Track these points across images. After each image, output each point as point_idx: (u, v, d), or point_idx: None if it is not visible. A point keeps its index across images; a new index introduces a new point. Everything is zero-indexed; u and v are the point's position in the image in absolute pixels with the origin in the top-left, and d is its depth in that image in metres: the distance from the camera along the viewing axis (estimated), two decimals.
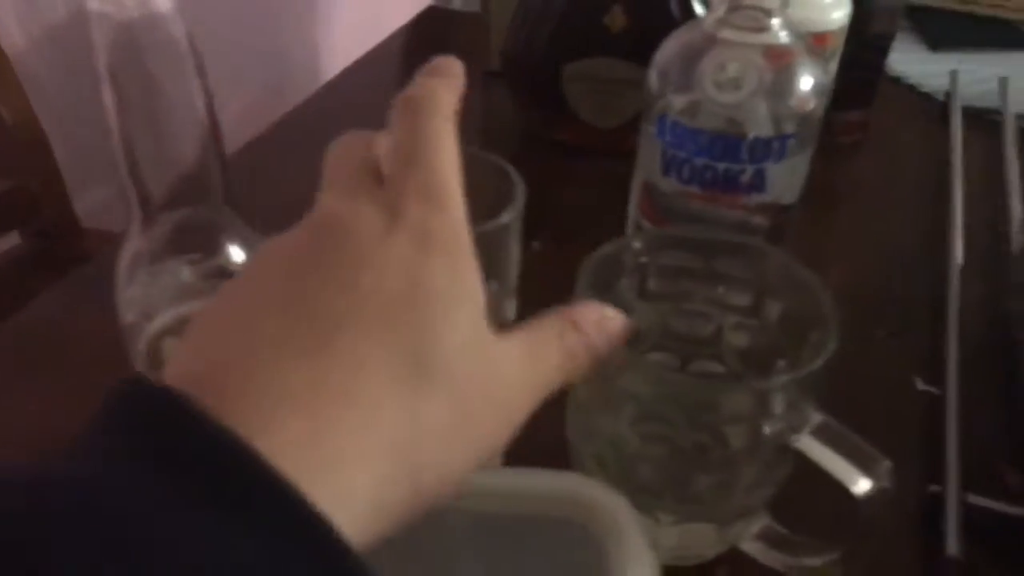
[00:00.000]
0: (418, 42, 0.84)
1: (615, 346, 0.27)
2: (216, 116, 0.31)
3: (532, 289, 0.38)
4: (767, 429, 0.32)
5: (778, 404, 0.32)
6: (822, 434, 0.31)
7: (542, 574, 0.31)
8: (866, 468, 0.30)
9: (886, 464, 0.30)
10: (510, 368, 0.23)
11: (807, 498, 0.32)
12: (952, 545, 0.38)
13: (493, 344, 0.23)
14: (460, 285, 0.22)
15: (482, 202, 0.33)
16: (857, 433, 0.35)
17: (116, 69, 0.28)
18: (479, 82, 0.77)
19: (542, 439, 0.40)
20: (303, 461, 0.18)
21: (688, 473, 0.34)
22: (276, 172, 0.64)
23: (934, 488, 0.40)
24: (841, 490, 0.30)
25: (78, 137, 1.08)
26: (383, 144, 0.25)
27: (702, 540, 0.37)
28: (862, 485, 0.30)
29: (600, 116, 0.63)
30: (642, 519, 0.35)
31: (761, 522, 0.36)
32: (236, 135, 0.68)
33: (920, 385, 0.47)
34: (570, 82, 0.63)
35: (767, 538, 0.36)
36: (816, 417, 0.31)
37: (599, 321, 0.26)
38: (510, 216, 0.33)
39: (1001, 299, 0.53)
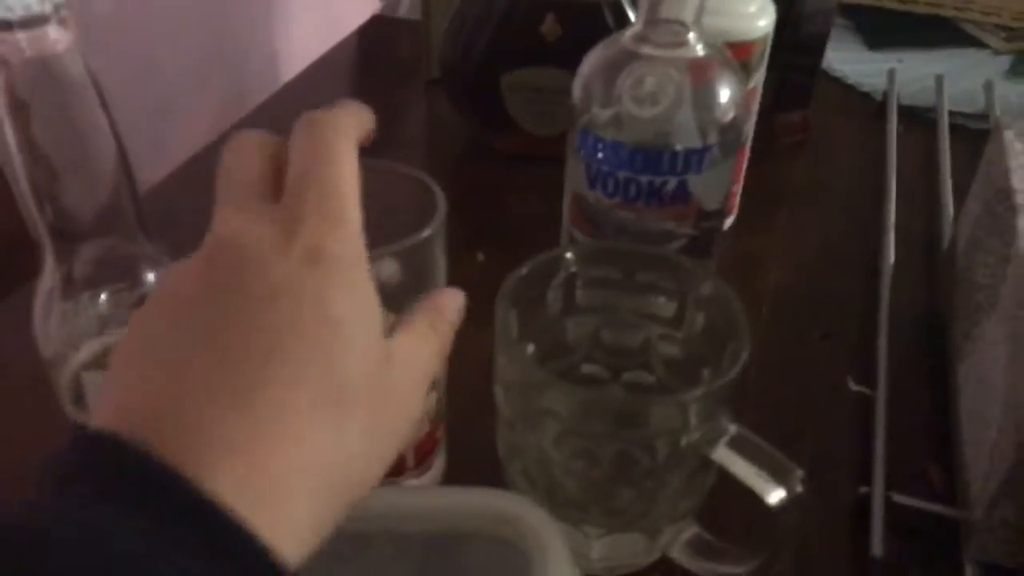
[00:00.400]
0: (364, 51, 0.84)
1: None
2: (124, 147, 0.31)
3: (475, 299, 0.37)
4: (684, 441, 0.32)
5: (695, 416, 0.32)
6: (736, 445, 0.32)
7: None
8: (779, 477, 0.31)
9: (798, 473, 0.31)
10: (403, 371, 0.24)
11: (733, 505, 0.33)
12: (876, 545, 0.39)
13: (389, 354, 0.24)
14: (360, 306, 0.23)
15: (405, 216, 0.34)
16: (791, 434, 0.36)
17: (15, 109, 0.28)
18: (421, 90, 0.77)
19: (478, 456, 0.41)
20: (243, 499, 0.19)
21: (612, 486, 0.35)
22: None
23: (863, 489, 0.41)
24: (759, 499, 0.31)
25: None
26: (278, 148, 0.25)
27: (632, 550, 0.37)
28: (776, 494, 0.31)
29: (540, 124, 0.63)
30: (570, 532, 0.36)
31: (690, 530, 0.37)
32: (197, 143, 0.68)
33: (853, 386, 0.48)
34: (509, 91, 0.63)
35: (694, 546, 0.37)
36: (731, 428, 0.32)
37: (455, 302, 0.28)
38: (432, 229, 0.33)
39: (931, 298, 0.54)
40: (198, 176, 0.65)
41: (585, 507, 0.35)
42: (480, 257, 0.56)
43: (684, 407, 0.32)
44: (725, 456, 0.31)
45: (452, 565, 0.31)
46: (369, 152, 0.27)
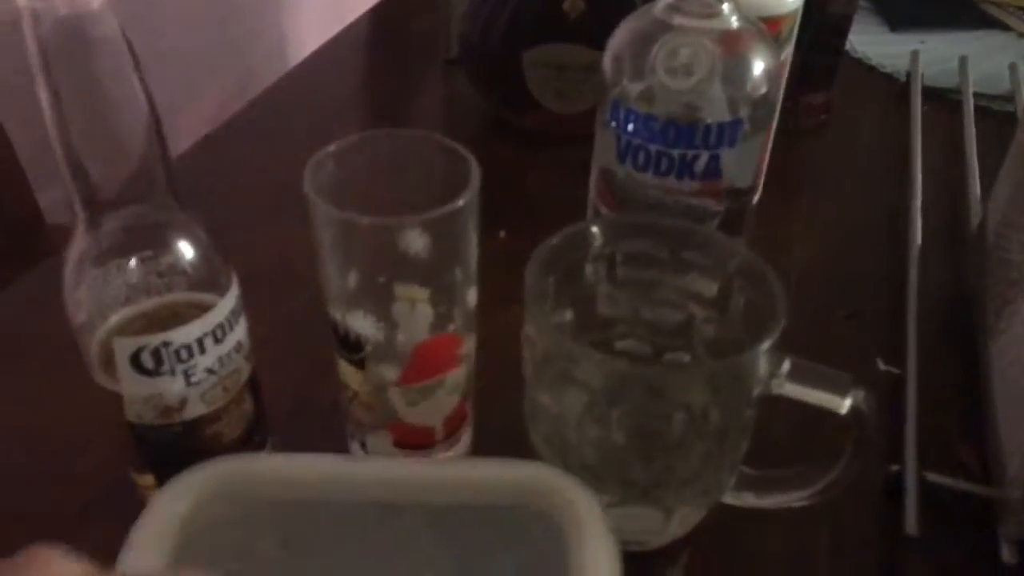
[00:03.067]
0: (378, 30, 0.83)
1: None
2: (158, 111, 0.30)
3: (498, 276, 0.37)
4: (757, 389, 0.33)
5: (765, 364, 0.32)
6: (795, 376, 0.33)
7: (505, 562, 0.31)
8: (842, 389, 0.33)
9: (857, 383, 0.33)
10: None
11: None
12: (911, 524, 0.38)
13: None
14: None
15: (438, 186, 0.33)
16: (819, 415, 0.36)
17: (50, 67, 0.27)
18: (439, 69, 0.76)
19: (505, 430, 0.40)
20: None
21: (631, 457, 0.34)
22: (243, 160, 0.63)
23: (894, 467, 0.41)
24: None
25: (39, 132, 1.07)
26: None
27: (644, 525, 0.37)
28: (846, 403, 0.32)
29: (561, 102, 0.63)
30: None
31: (733, 474, 0.37)
32: (209, 126, 0.67)
33: (881, 365, 0.47)
34: (530, 68, 0.62)
35: (746, 484, 0.36)
36: (786, 362, 0.32)
37: None
38: (466, 199, 0.32)
39: (959, 278, 0.53)
40: (215, 152, 0.65)
41: (601, 475, 0.35)
42: (502, 235, 0.56)
43: (755, 358, 0.32)
44: (791, 388, 0.33)
45: (485, 537, 0.31)
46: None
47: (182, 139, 0.64)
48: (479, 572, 0.30)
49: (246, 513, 0.30)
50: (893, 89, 0.73)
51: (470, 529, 0.31)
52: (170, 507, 0.29)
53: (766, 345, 0.31)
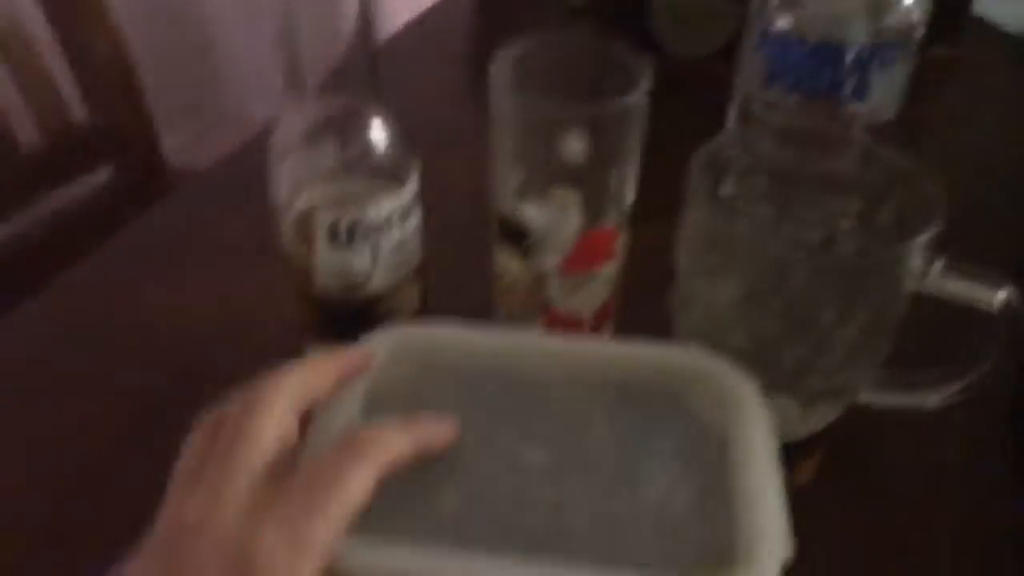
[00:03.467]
0: None
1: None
2: (371, 5, 0.33)
3: (646, 199, 0.40)
4: (909, 283, 0.34)
5: (918, 259, 0.34)
6: (947, 272, 0.34)
7: (665, 438, 0.32)
8: (992, 285, 0.34)
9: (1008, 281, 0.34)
10: None
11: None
12: None
13: None
14: None
15: (611, 90, 0.36)
16: (954, 335, 0.37)
17: None
18: (564, 20, 0.79)
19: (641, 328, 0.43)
20: None
21: (780, 345, 0.36)
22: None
23: None
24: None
25: (164, 76, 1.12)
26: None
27: (782, 417, 0.38)
28: (997, 299, 0.34)
29: (688, 46, 0.65)
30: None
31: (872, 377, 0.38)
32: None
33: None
34: (658, 13, 0.64)
35: (886, 384, 0.38)
36: (938, 260, 0.34)
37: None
38: (635, 97, 0.35)
39: None
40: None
41: (747, 362, 0.37)
42: None
43: (911, 251, 0.34)
44: (943, 283, 0.34)
45: (645, 413, 0.33)
46: None
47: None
48: (639, 447, 0.32)
49: (425, 375, 0.33)
50: (1018, 48, 0.73)
51: (628, 409, 0.33)
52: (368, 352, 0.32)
53: (924, 237, 0.33)
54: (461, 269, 0.46)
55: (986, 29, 0.76)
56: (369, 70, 0.35)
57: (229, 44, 1.43)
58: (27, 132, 0.91)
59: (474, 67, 0.73)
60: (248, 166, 0.41)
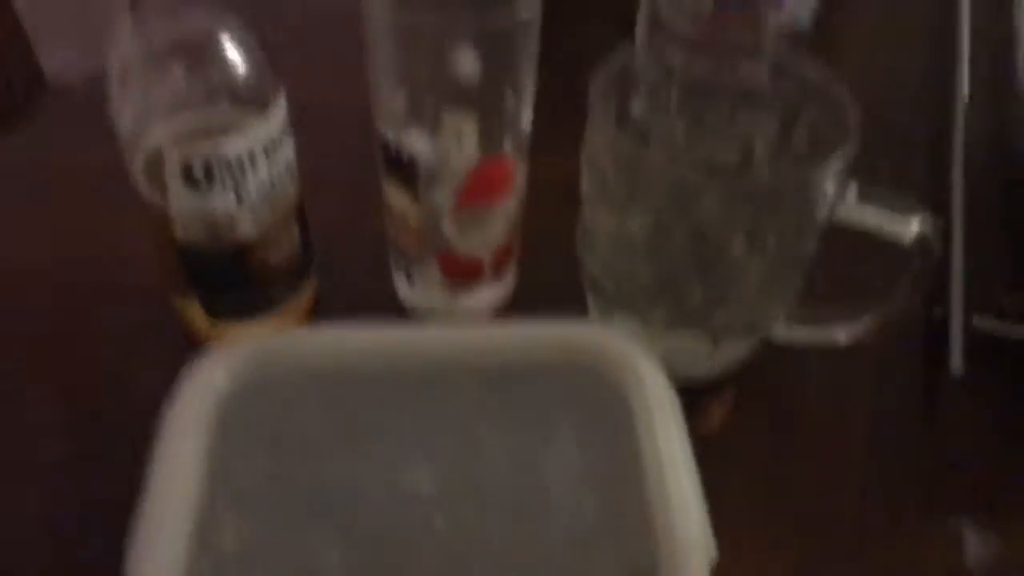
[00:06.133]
0: None
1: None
2: None
3: (539, 125, 0.36)
4: (822, 211, 0.32)
5: (831, 184, 0.32)
6: (861, 198, 0.32)
7: (566, 425, 0.30)
8: (906, 215, 0.32)
9: (925, 209, 0.32)
10: None
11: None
12: (956, 364, 0.38)
13: None
14: None
15: (504, 6, 0.31)
16: (862, 266, 0.36)
17: None
18: None
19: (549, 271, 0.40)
20: None
21: (688, 277, 0.34)
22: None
23: (938, 310, 0.41)
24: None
25: None
26: None
27: (691, 356, 0.37)
28: (909, 232, 0.32)
29: None
30: (634, 327, 0.35)
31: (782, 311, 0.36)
32: None
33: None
34: None
35: (797, 318, 0.36)
36: (852, 186, 0.32)
37: None
38: (528, 13, 0.31)
39: (1006, 131, 0.52)
40: None
41: (655, 297, 0.34)
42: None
43: (822, 179, 0.31)
44: (856, 211, 0.32)
45: (543, 400, 0.30)
46: None
47: None
48: (539, 435, 0.29)
49: (287, 388, 0.29)
50: None
51: (527, 392, 0.30)
52: (207, 382, 0.28)
53: (838, 160, 0.30)
54: (351, 205, 0.43)
55: None
56: None
57: None
58: None
59: None
60: None
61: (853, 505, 0.35)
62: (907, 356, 0.40)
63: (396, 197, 0.36)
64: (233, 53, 0.31)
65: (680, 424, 0.29)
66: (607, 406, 0.30)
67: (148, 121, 0.31)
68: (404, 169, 0.34)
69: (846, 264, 0.39)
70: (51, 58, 1.00)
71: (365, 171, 0.37)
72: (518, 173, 0.36)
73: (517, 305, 0.41)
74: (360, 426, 0.30)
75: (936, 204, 0.47)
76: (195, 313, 0.36)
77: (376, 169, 0.36)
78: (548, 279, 0.41)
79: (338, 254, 0.41)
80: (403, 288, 0.40)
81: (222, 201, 0.32)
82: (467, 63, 0.32)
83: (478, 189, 0.35)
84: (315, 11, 0.58)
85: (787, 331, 0.37)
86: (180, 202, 0.32)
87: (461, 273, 0.38)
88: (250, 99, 0.32)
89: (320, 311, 0.39)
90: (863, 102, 0.51)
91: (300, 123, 0.35)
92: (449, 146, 0.34)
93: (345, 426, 0.30)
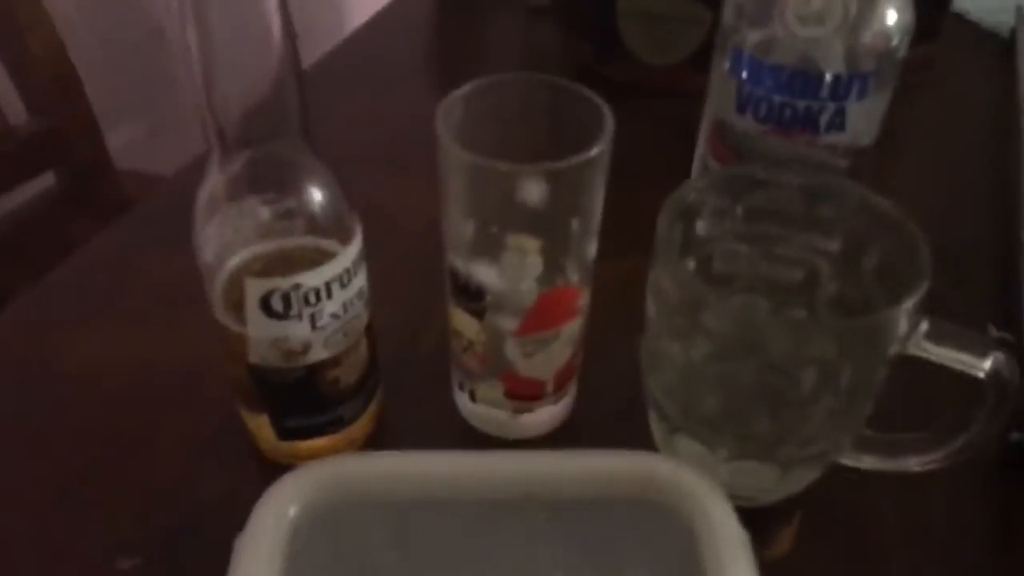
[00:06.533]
0: None
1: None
2: (295, 41, 0.30)
3: (607, 233, 0.37)
4: (894, 349, 0.32)
5: (906, 323, 0.32)
6: (933, 336, 0.32)
7: (638, 561, 0.30)
8: (980, 351, 0.32)
9: (997, 345, 0.32)
10: None
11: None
12: None
13: None
14: None
15: (570, 135, 0.32)
16: (932, 391, 0.35)
17: (199, 2, 0.27)
18: (521, 19, 0.75)
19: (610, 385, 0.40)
20: None
21: (754, 411, 0.34)
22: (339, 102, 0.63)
23: (1016, 435, 0.40)
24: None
25: (108, 77, 1.07)
26: None
27: (760, 481, 0.36)
28: (983, 366, 0.31)
29: (655, 53, 0.61)
30: (701, 453, 0.35)
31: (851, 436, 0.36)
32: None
33: (994, 332, 0.46)
34: (625, 18, 0.61)
35: (866, 446, 0.36)
36: (924, 322, 0.32)
37: None
38: (598, 149, 0.32)
39: None
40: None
41: (721, 428, 0.34)
42: None
43: (897, 317, 0.31)
44: (929, 348, 0.32)
45: (611, 533, 0.30)
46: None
47: None
48: (605, 569, 0.29)
49: (356, 513, 0.30)
50: (996, 45, 0.70)
51: (594, 526, 0.30)
52: (279, 509, 0.29)
53: (910, 303, 0.30)
54: (413, 313, 0.43)
55: (966, 27, 0.73)
56: (299, 113, 0.31)
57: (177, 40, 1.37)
58: None
59: (428, 81, 0.70)
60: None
61: None
62: (984, 481, 0.39)
63: (462, 321, 0.36)
64: (312, 184, 0.32)
65: (750, 562, 0.28)
66: (675, 542, 0.29)
67: (229, 250, 0.32)
68: (471, 296, 0.35)
69: (923, 388, 0.38)
70: (116, 141, 1.04)
71: (424, 281, 0.38)
72: (583, 298, 0.36)
73: (577, 422, 0.41)
74: (426, 554, 0.30)
75: (1007, 320, 0.46)
76: (263, 429, 0.37)
77: (439, 284, 0.37)
78: (610, 397, 0.41)
79: (402, 369, 0.41)
80: (465, 405, 0.40)
81: (297, 329, 0.33)
82: (535, 195, 0.33)
83: (543, 316, 0.35)
84: (396, 132, 0.60)
85: (856, 459, 0.36)
86: (257, 329, 0.33)
87: (524, 393, 0.38)
88: (325, 231, 0.33)
89: (384, 426, 0.40)
90: (926, 214, 0.51)
91: (366, 231, 0.35)
92: (515, 275, 0.34)
93: (412, 554, 0.30)
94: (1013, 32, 0.69)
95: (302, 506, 0.29)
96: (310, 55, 0.70)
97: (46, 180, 0.99)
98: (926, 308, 0.32)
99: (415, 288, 0.41)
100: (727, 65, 0.41)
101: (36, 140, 0.94)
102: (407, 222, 0.47)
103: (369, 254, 0.36)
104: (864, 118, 0.41)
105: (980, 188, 0.57)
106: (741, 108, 0.41)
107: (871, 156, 0.44)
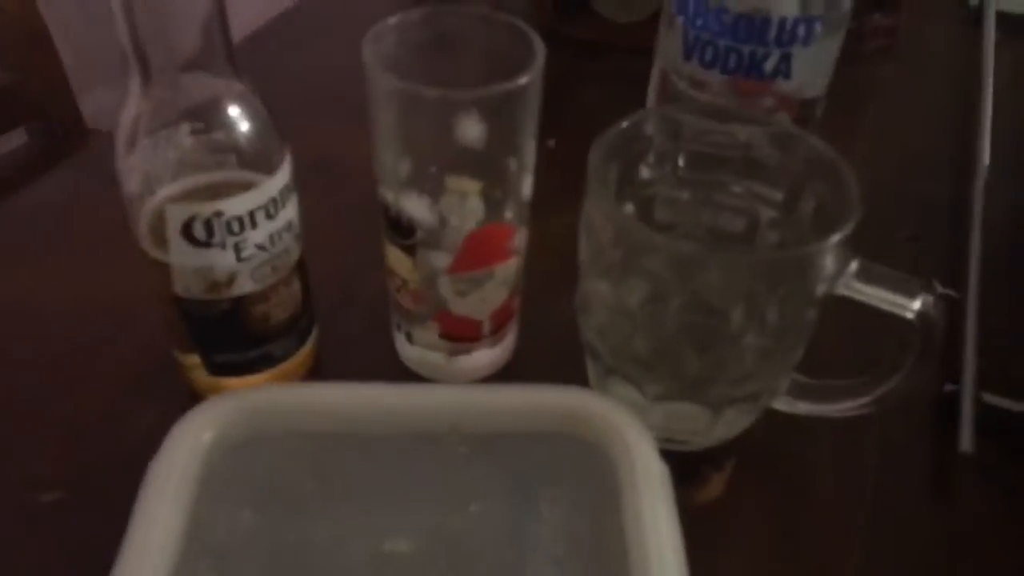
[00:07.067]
0: None
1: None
2: None
3: (549, 186, 0.37)
4: (820, 288, 0.32)
5: (833, 262, 0.32)
6: (862, 276, 0.32)
7: (556, 494, 0.30)
8: (910, 292, 0.32)
9: (926, 287, 0.32)
10: None
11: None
12: (966, 441, 0.37)
13: None
14: None
15: (500, 65, 0.32)
16: (876, 335, 0.35)
17: None
18: None
19: (549, 330, 0.40)
20: None
21: (685, 349, 0.33)
22: (298, 49, 0.62)
23: (950, 387, 0.40)
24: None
25: (82, 38, 1.06)
26: None
27: (691, 424, 0.36)
28: (912, 307, 0.31)
29: (619, 11, 0.61)
30: (630, 394, 0.35)
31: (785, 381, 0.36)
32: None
33: (939, 288, 0.46)
34: None
35: (799, 391, 0.36)
36: (853, 263, 0.32)
37: None
38: (528, 78, 0.31)
39: None
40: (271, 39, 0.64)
41: (652, 367, 0.34)
42: (551, 143, 0.54)
43: (822, 255, 0.31)
44: (857, 288, 0.32)
45: (532, 467, 0.30)
46: None
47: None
48: (526, 506, 0.29)
49: (273, 443, 0.29)
50: (964, 14, 0.70)
51: (515, 459, 0.30)
52: (194, 435, 0.28)
53: (837, 238, 0.30)
54: (354, 261, 0.43)
55: None
56: (224, 44, 0.31)
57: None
58: None
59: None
60: None
61: None
62: (915, 430, 0.39)
63: (396, 259, 0.36)
64: (239, 116, 0.32)
65: (669, 500, 0.28)
66: (595, 477, 0.29)
67: (154, 182, 0.32)
68: (404, 232, 0.34)
69: (854, 333, 0.38)
70: (91, 103, 1.03)
71: (367, 230, 0.38)
72: (518, 237, 0.36)
73: (516, 367, 0.41)
74: (345, 485, 0.30)
75: (953, 275, 0.46)
76: (195, 368, 0.37)
77: (378, 228, 0.37)
78: (550, 342, 0.41)
79: (339, 313, 0.41)
80: (403, 348, 0.40)
81: (221, 258, 0.32)
82: (469, 130, 0.32)
83: (476, 254, 0.35)
84: (321, 72, 0.59)
85: (790, 404, 0.36)
86: (180, 257, 0.32)
87: (459, 334, 0.38)
88: (256, 161, 0.32)
89: (320, 369, 0.39)
90: (881, 169, 0.51)
91: (305, 182, 0.35)
92: (450, 212, 0.34)
93: (330, 484, 0.30)
94: (981, 1, 0.69)
95: (217, 434, 0.29)
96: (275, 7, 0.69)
97: (18, 138, 0.98)
98: (878, 259, 0.32)
99: (359, 236, 0.41)
100: (673, 9, 0.41)
101: (3, 96, 0.93)
102: (355, 172, 0.47)
103: (316, 201, 0.36)
104: (811, 66, 0.40)
105: (941, 150, 0.57)
106: (687, 54, 0.41)
107: (818, 111, 0.44)
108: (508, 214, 0.35)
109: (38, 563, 0.33)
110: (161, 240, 0.32)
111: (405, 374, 0.40)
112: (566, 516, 0.29)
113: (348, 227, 0.44)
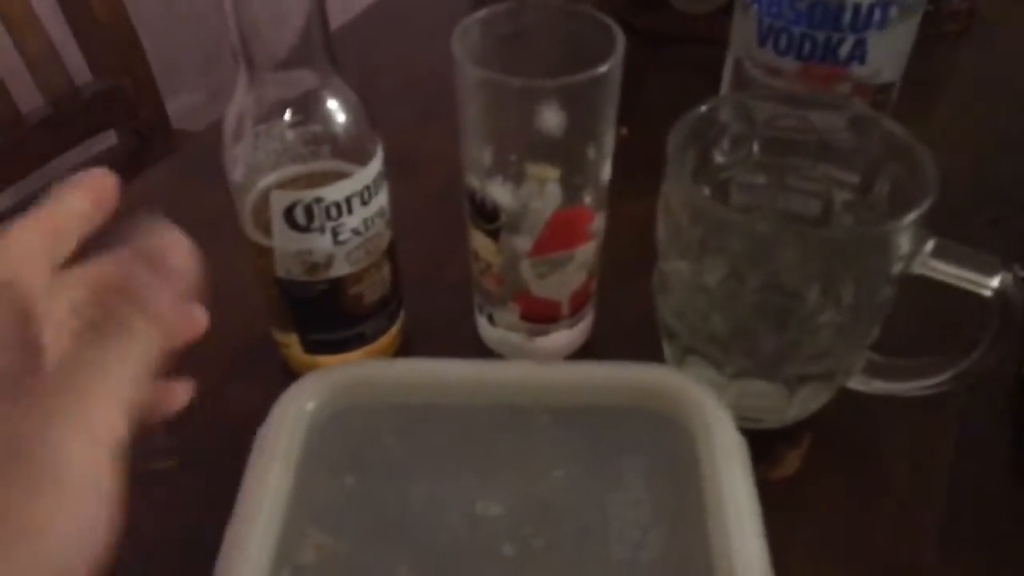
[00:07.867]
0: None
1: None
2: None
3: (621, 173, 0.38)
4: (896, 267, 0.32)
5: (909, 241, 0.32)
6: (940, 253, 0.32)
7: (634, 464, 0.31)
8: (988, 270, 0.32)
9: (1005, 266, 0.32)
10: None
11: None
12: None
13: None
14: None
15: (580, 56, 0.33)
16: (954, 321, 0.35)
17: None
18: None
19: (626, 313, 0.41)
20: None
21: (761, 327, 0.34)
22: (366, 59, 0.65)
23: None
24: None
25: (168, 43, 1.11)
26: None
27: (766, 402, 0.37)
28: (991, 285, 0.32)
29: (692, 2, 0.61)
30: (707, 372, 0.36)
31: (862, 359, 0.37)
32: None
33: (1020, 272, 0.45)
34: None
35: (874, 371, 0.36)
36: (930, 242, 0.32)
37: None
38: (609, 66, 0.32)
39: None
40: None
41: (729, 346, 0.35)
42: (624, 132, 0.55)
43: (898, 233, 0.31)
44: (934, 266, 0.32)
45: (612, 438, 0.31)
46: None
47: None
48: (608, 474, 0.30)
49: (372, 414, 0.32)
50: None
51: (597, 430, 0.31)
52: (299, 404, 0.31)
53: (912, 216, 0.31)
54: (439, 247, 0.45)
55: None
56: (324, 43, 0.33)
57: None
58: (30, 98, 0.91)
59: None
60: None
61: (928, 559, 0.34)
62: (992, 410, 0.39)
63: (480, 243, 0.38)
64: (336, 109, 0.34)
65: (747, 472, 0.29)
66: (674, 448, 0.30)
67: (258, 171, 0.34)
68: (488, 217, 0.36)
69: (932, 313, 0.38)
70: (178, 106, 1.08)
71: (453, 217, 0.40)
72: (596, 221, 0.37)
73: (594, 349, 0.42)
74: (438, 454, 0.31)
75: None
76: (292, 347, 0.39)
77: (463, 215, 0.38)
78: (627, 323, 0.42)
79: (425, 294, 0.43)
80: (485, 329, 0.42)
81: (320, 242, 0.35)
82: (550, 118, 0.34)
83: (556, 237, 0.36)
84: (400, 67, 0.62)
85: (865, 383, 0.37)
86: (282, 241, 0.35)
87: (539, 315, 0.39)
88: (350, 151, 0.34)
89: (407, 349, 0.41)
90: (959, 154, 0.51)
91: (396, 172, 0.37)
92: (531, 196, 0.35)
93: (424, 453, 0.31)
94: None
95: (319, 404, 0.31)
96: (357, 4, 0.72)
97: (108, 139, 1.03)
98: (961, 241, 0.33)
99: (442, 224, 0.43)
100: None
101: (99, 100, 0.98)
102: (436, 162, 0.49)
103: (403, 190, 0.38)
104: (886, 51, 0.41)
105: (1020, 134, 0.56)
106: (761, 41, 0.41)
107: (893, 96, 0.44)
108: (587, 199, 0.36)
109: (154, 525, 0.36)
110: (264, 225, 0.35)
111: (487, 355, 0.42)
112: (646, 484, 0.30)
113: (432, 215, 0.46)
